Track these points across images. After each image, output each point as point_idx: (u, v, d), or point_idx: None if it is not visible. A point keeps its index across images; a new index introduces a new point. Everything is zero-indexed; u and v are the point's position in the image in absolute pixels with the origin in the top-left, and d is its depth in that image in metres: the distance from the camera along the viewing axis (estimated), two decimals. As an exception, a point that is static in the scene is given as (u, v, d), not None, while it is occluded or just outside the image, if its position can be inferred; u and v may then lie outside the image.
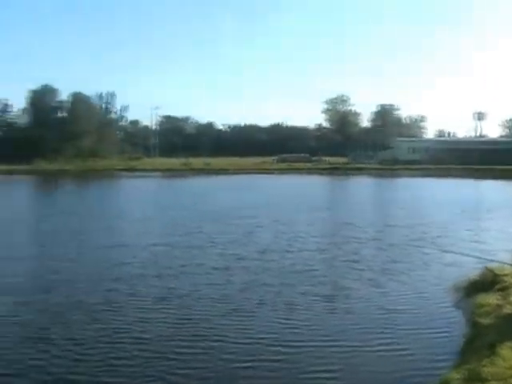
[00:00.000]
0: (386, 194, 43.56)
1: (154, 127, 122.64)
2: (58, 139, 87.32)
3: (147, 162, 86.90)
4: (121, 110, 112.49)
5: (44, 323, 9.59)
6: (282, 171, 72.39)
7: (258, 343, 8.71)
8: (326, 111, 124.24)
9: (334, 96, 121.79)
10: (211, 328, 9.38)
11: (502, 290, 10.25)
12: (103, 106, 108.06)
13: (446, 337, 8.99)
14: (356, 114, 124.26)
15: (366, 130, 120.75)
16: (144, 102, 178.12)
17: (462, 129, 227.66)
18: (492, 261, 11.88)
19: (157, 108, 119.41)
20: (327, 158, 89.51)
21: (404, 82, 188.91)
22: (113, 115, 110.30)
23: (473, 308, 9.90)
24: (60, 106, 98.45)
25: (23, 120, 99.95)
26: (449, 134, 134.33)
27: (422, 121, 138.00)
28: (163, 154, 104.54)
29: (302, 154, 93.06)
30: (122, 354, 8.23)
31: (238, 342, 8.76)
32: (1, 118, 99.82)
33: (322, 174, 68.19)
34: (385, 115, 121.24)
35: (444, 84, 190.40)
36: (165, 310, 10.38)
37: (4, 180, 58.64)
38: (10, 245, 17.92)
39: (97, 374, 7.49)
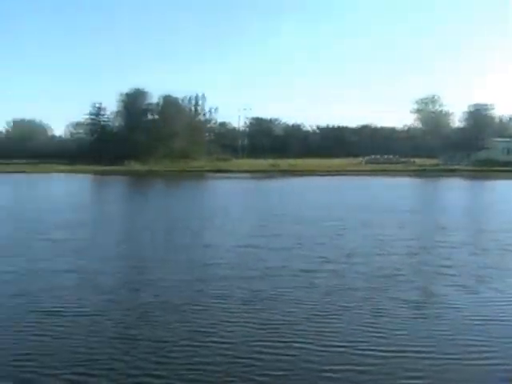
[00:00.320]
0: (481, 196, 41.49)
1: (241, 128, 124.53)
2: (149, 141, 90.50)
3: (235, 163, 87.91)
4: (210, 112, 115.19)
5: (131, 322, 9.76)
6: (370, 173, 71.06)
7: (342, 350, 8.38)
8: (417, 111, 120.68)
9: (425, 96, 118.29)
10: (294, 332, 9.16)
11: None
12: (192, 108, 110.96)
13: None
14: (447, 115, 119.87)
15: (459, 130, 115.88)
16: (232, 103, 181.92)
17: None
18: None
19: (245, 109, 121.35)
20: (415, 160, 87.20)
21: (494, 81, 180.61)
22: (201, 117, 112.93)
23: None
24: (151, 108, 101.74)
25: (116, 123, 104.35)
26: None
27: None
28: (251, 155, 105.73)
29: (391, 156, 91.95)
30: (205, 356, 8.19)
31: (321, 348, 8.47)
32: (95, 121, 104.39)
33: (411, 175, 66.16)
34: (478, 115, 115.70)
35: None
36: (248, 313, 10.28)
37: (99, 180, 61.64)
38: (106, 243, 18.60)
39: (179, 378, 7.47)
